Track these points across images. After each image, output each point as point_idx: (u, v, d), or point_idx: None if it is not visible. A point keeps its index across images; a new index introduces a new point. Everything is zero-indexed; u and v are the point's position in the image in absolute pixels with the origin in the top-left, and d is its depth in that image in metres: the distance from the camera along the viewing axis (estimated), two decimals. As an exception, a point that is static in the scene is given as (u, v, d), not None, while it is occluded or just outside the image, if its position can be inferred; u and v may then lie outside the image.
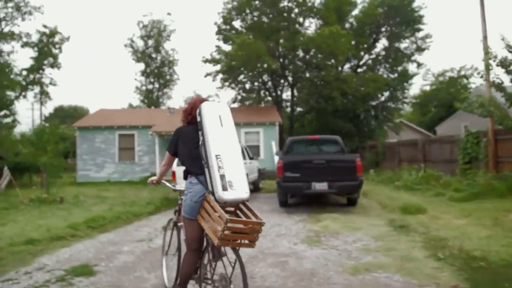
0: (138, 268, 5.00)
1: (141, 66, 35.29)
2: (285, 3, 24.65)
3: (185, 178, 3.38)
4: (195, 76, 79.99)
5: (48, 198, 11.50)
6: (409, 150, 18.83)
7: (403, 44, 28.95)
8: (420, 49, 29.10)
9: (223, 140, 3.09)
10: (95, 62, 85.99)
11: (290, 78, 26.80)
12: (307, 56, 24.48)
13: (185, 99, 35.89)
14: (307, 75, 26.37)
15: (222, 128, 3.14)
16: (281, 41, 24.24)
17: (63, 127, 35.67)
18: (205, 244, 3.37)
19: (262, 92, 28.09)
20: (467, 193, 10.70)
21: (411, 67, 29.90)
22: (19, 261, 5.39)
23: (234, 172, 3.00)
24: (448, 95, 37.92)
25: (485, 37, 12.94)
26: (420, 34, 28.43)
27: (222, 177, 2.93)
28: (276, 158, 19.14)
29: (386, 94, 28.24)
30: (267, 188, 15.10)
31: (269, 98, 28.37)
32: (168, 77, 35.72)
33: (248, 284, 2.99)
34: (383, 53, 29.23)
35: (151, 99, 34.47)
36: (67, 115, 50.76)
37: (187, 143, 3.36)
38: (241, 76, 25.23)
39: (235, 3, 24.69)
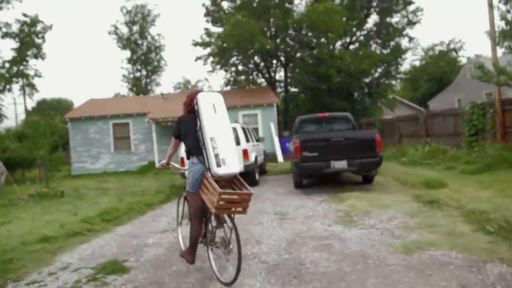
0: (173, 262, 4.61)
1: (127, 53, 34.27)
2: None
3: (188, 158, 3.88)
4: (184, 61, 77.86)
5: (49, 193, 10.95)
6: (409, 125, 18.66)
7: (394, 19, 28.65)
8: (411, 23, 28.80)
9: (216, 125, 3.61)
10: (77, 52, 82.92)
11: (282, 58, 26.27)
12: (300, 35, 23.88)
13: (176, 85, 35.08)
14: (300, 54, 25.93)
15: (215, 115, 3.65)
16: (272, 20, 23.57)
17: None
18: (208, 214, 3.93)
19: (255, 74, 27.49)
20: (479, 165, 10.56)
21: (403, 42, 29.74)
22: (38, 261, 4.95)
23: (226, 151, 3.54)
24: (438, 69, 38.01)
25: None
26: (411, 8, 28.17)
27: (216, 156, 3.47)
28: (276, 140, 18.91)
29: (379, 70, 28.04)
30: (272, 171, 14.78)
31: (262, 80, 27.83)
32: (155, 63, 34.75)
33: (241, 245, 3.53)
34: (374, 29, 28.90)
35: (139, 87, 33.56)
36: (51, 108, 49.31)
37: (188, 128, 3.83)
38: (234, 58, 24.56)
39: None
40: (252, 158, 10.36)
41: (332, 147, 8.75)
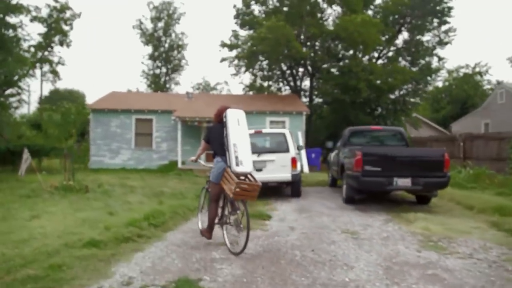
0: (259, 286, 3.82)
1: (149, 49, 33.70)
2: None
3: (213, 157, 5.10)
4: (205, 62, 76.58)
5: (74, 186, 10.20)
6: (444, 146, 17.79)
7: (425, 37, 27.93)
8: (442, 43, 28.04)
9: (238, 134, 4.77)
10: (94, 43, 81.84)
11: (309, 67, 25.56)
12: (332, 45, 23.20)
13: (194, 86, 34.40)
14: (328, 64, 25.23)
15: (238, 127, 4.79)
16: (305, 27, 22.91)
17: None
18: (225, 201, 5.17)
19: (280, 81, 26.80)
20: (540, 192, 9.77)
21: (432, 61, 28.96)
22: (92, 271, 4.17)
23: (244, 155, 4.72)
24: (463, 91, 37.16)
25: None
26: (443, 27, 27.44)
27: (236, 157, 4.65)
28: (303, 151, 18.09)
29: (407, 87, 27.25)
30: (304, 181, 13.97)
31: (287, 87, 27.12)
32: (176, 61, 34.18)
33: (250, 225, 4.77)
34: (403, 45, 28.20)
35: (158, 84, 32.96)
36: (63, 98, 48.83)
37: (216, 135, 5.04)
38: (263, 63, 23.88)
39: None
40: (299, 167, 9.57)
41: (396, 163, 8.01)
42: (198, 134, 18.37)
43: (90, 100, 33.99)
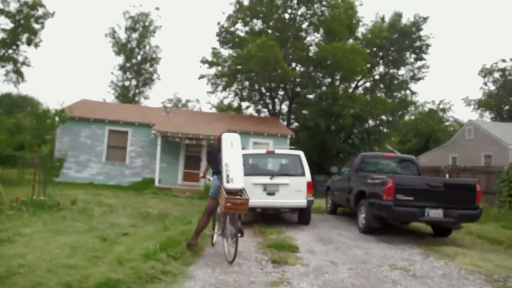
0: None
1: (120, 60, 31.98)
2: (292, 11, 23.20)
3: (213, 174, 5.91)
4: (176, 78, 74.14)
5: (46, 202, 8.59)
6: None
7: (400, 71, 28.66)
8: (415, 78, 28.90)
9: (230, 155, 5.45)
10: (60, 47, 75.79)
11: (289, 91, 25.18)
12: (315, 71, 22.97)
13: (165, 102, 32.93)
14: (307, 89, 24.98)
15: (231, 148, 5.50)
16: (289, 50, 22.60)
17: (19, 117, 31.15)
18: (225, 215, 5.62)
19: (259, 103, 26.14)
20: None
21: (404, 95, 29.67)
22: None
23: (234, 173, 5.32)
24: (428, 126, 38.47)
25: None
26: (418, 64, 28.35)
27: (227, 176, 5.27)
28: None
29: (382, 118, 27.57)
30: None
31: (265, 110, 26.49)
32: (148, 75, 32.64)
33: (238, 239, 5.25)
34: (378, 77, 28.76)
35: (126, 97, 31.15)
36: (16, 105, 45.15)
37: (214, 157, 5.85)
38: (245, 83, 23.16)
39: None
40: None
41: (428, 193, 7.33)
42: (177, 151, 17.04)
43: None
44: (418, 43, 25.73)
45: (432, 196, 7.33)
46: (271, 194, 8.13)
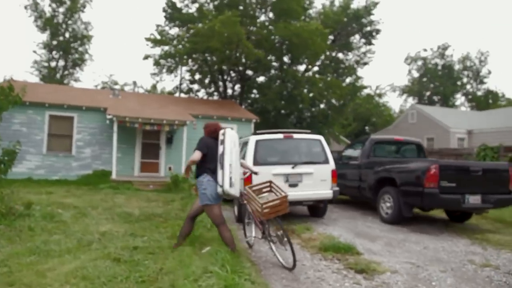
0: None
1: (45, 36, 27.81)
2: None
3: (200, 173, 4.68)
4: (110, 58, 66.42)
5: (-1, 208, 6.47)
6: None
7: (349, 56, 28.85)
8: (361, 63, 29.35)
9: (233, 155, 4.54)
10: None
11: (249, 72, 23.82)
12: (275, 51, 21.88)
13: (99, 84, 29.52)
14: (261, 72, 23.90)
15: (234, 148, 4.60)
16: (255, 28, 21.19)
17: None
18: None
19: (209, 86, 24.45)
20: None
21: (348, 80, 30.02)
22: None
23: (236, 177, 4.49)
24: (367, 111, 39.81)
25: None
26: (363, 49, 28.76)
27: (231, 178, 4.39)
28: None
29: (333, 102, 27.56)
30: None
31: (215, 93, 24.90)
32: (77, 55, 28.91)
33: (288, 236, 4.50)
34: (325, 60, 28.65)
35: (53, 79, 27.26)
36: None
37: (214, 151, 4.60)
38: (198, 63, 21.29)
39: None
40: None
41: (468, 178, 6.73)
42: (132, 139, 14.95)
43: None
44: (368, 28, 25.88)
45: (471, 181, 6.77)
46: (293, 185, 6.95)
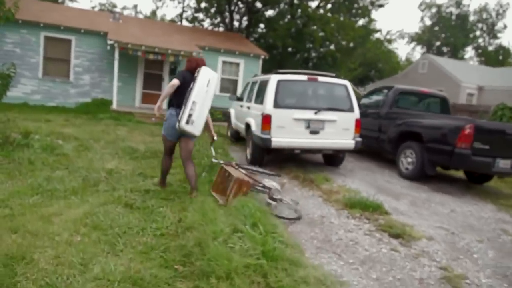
0: None
1: None
2: None
3: (169, 105, 4.63)
4: None
5: (-6, 137, 5.94)
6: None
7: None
8: (376, 4, 27.56)
9: (202, 95, 4.29)
10: None
11: (258, 4, 22.30)
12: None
13: (97, 6, 27.64)
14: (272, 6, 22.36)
15: (206, 88, 4.32)
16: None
17: None
18: None
19: (215, 16, 22.94)
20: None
21: (362, 22, 28.43)
22: None
23: (198, 117, 4.26)
24: (376, 56, 38.38)
25: None
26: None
27: (190, 116, 4.21)
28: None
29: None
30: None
31: (221, 26, 23.46)
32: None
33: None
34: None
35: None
36: None
37: (185, 85, 4.37)
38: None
39: None
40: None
41: (502, 142, 6.27)
42: (134, 68, 14.11)
43: None
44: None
45: (504, 145, 6.29)
46: (314, 132, 6.43)
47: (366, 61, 38.66)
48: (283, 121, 6.23)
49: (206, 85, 4.29)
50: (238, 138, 9.38)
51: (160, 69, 14.57)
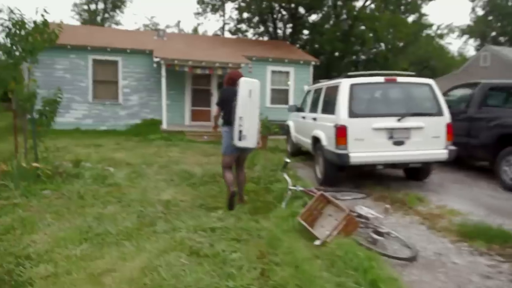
0: None
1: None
2: None
3: (223, 124, 4.69)
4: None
5: (43, 170, 5.45)
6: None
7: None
8: (425, -1, 25.78)
9: (247, 107, 4.33)
10: None
11: (301, 10, 21.48)
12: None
13: (141, 27, 28.14)
14: (318, 10, 21.41)
15: (249, 99, 4.36)
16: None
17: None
18: None
19: (258, 26, 22.40)
20: None
21: (411, 18, 26.71)
22: None
23: (248, 129, 4.35)
24: (427, 53, 36.14)
25: None
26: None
27: (240, 132, 4.33)
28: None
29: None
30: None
31: (265, 35, 22.85)
32: (117, -4, 27.39)
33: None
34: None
35: (94, 22, 26.16)
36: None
37: (230, 101, 4.44)
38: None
39: None
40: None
41: None
42: (181, 84, 13.68)
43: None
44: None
45: None
46: (399, 143, 5.39)
47: (418, 59, 36.48)
48: (361, 133, 5.25)
49: (248, 96, 4.34)
50: (299, 152, 8.49)
51: (207, 84, 14.06)
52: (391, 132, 5.36)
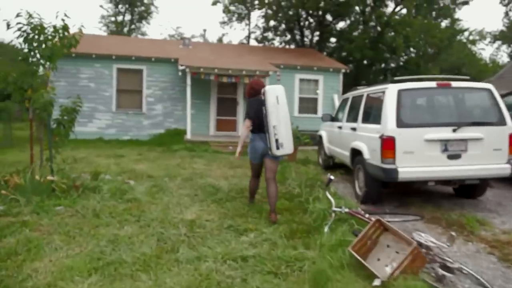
0: None
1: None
2: None
3: (254, 132, 4.64)
4: (175, 10, 64.67)
5: (58, 183, 5.04)
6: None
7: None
8: (458, 2, 24.71)
9: (278, 114, 4.25)
10: None
11: (328, 17, 20.93)
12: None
13: (168, 38, 28.18)
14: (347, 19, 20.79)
15: (278, 105, 4.27)
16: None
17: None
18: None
19: (285, 34, 21.95)
20: None
21: (443, 24, 25.64)
22: None
23: (284, 137, 4.27)
24: (459, 60, 34.71)
25: None
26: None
27: (277, 140, 4.24)
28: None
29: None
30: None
31: (292, 43, 22.36)
32: (142, 8, 27.58)
33: None
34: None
35: (121, 34, 26.37)
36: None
37: (256, 111, 4.47)
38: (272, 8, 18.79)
39: None
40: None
41: None
42: (207, 93, 13.28)
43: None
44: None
45: None
46: (454, 156, 4.69)
47: (449, 66, 35.11)
48: (411, 145, 4.59)
49: (277, 102, 4.29)
50: (333, 165, 7.85)
51: (234, 93, 13.62)
52: (445, 144, 4.67)
